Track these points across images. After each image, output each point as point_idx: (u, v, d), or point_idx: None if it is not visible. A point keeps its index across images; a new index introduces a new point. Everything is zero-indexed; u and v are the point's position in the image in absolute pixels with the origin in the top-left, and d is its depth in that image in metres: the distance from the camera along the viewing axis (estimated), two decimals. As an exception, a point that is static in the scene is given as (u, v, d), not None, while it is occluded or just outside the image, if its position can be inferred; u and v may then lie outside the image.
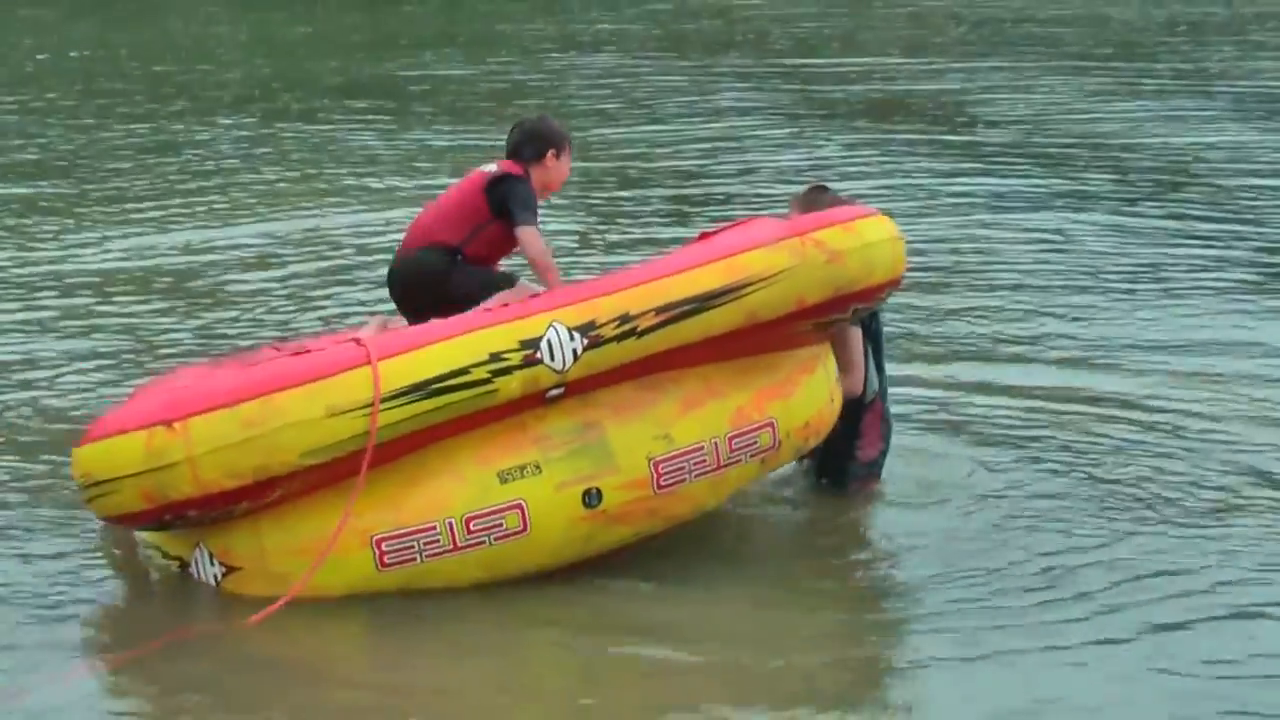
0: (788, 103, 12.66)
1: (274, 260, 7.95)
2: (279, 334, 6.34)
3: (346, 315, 6.69)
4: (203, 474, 3.91)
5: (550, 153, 4.78)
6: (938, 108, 12.46)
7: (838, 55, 15.78)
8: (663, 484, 4.29)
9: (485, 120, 11.98)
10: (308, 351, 4.23)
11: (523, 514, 4.15)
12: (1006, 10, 17.74)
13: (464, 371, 4.06)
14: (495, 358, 4.08)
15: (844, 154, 10.64)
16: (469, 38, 16.98)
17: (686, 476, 4.32)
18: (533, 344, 4.11)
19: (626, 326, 4.19)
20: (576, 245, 8.02)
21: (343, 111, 12.46)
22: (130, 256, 7.99)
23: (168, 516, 4.03)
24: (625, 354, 4.22)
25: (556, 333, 4.14)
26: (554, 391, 4.19)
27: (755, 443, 4.41)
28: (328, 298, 7.24)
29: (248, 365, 4.25)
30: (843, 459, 4.82)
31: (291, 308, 7.09)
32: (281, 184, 9.86)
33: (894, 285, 4.61)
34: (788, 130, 11.50)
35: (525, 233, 4.58)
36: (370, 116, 12.26)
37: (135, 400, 4.28)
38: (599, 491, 4.21)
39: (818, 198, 4.84)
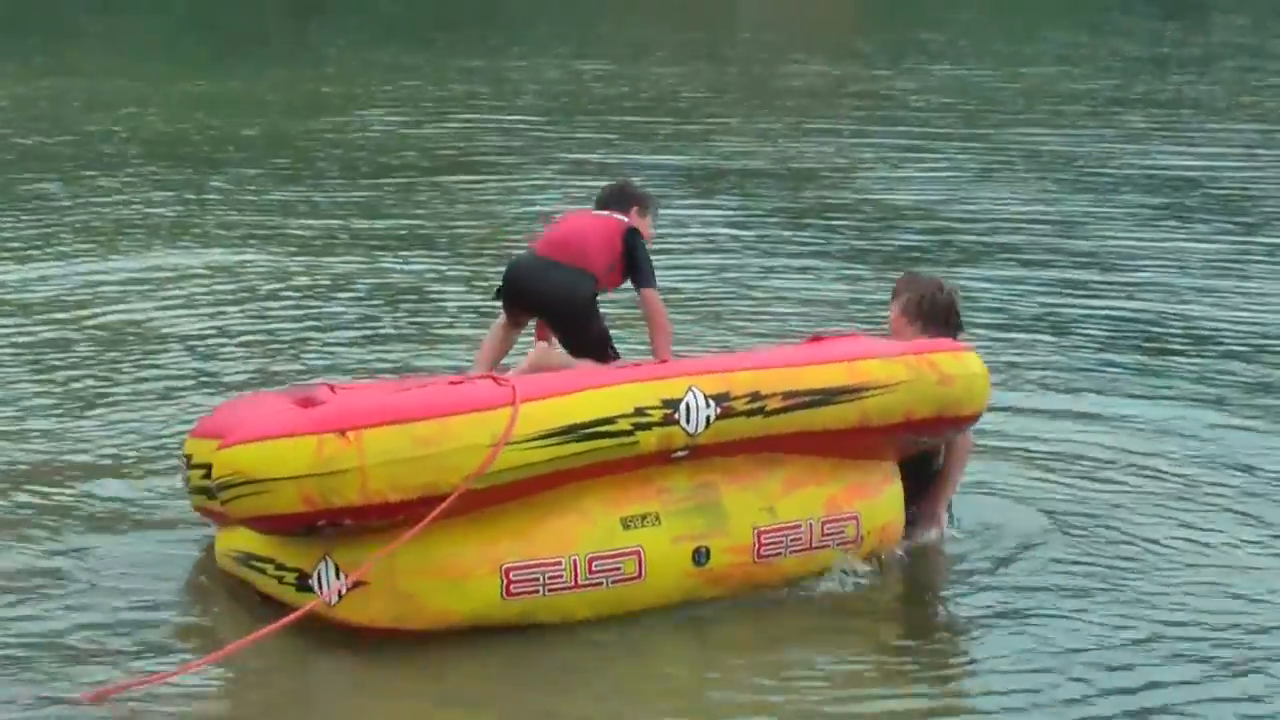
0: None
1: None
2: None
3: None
4: (370, 484, 4.05)
5: (635, 210, 5.16)
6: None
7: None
8: (763, 554, 4.53)
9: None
10: (460, 383, 4.41)
11: (640, 561, 4.36)
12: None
13: (610, 420, 4.27)
14: (639, 412, 4.30)
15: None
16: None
17: (783, 550, 4.57)
18: (673, 404, 4.34)
19: (757, 404, 4.44)
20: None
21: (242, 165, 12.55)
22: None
23: (321, 522, 4.15)
24: (750, 429, 4.46)
25: (695, 397, 4.37)
26: (680, 453, 4.42)
27: (843, 531, 4.67)
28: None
29: (407, 388, 4.42)
30: None
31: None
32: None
33: (977, 418, 4.91)
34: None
35: (651, 295, 4.99)
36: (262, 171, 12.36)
37: (255, 410, 4.45)
38: (708, 551, 4.44)
39: (916, 279, 5.20)
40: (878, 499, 4.78)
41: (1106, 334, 7.65)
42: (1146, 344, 7.52)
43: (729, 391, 4.43)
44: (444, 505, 4.09)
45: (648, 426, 4.31)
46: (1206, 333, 7.66)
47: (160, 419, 6.11)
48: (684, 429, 4.36)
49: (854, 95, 17.34)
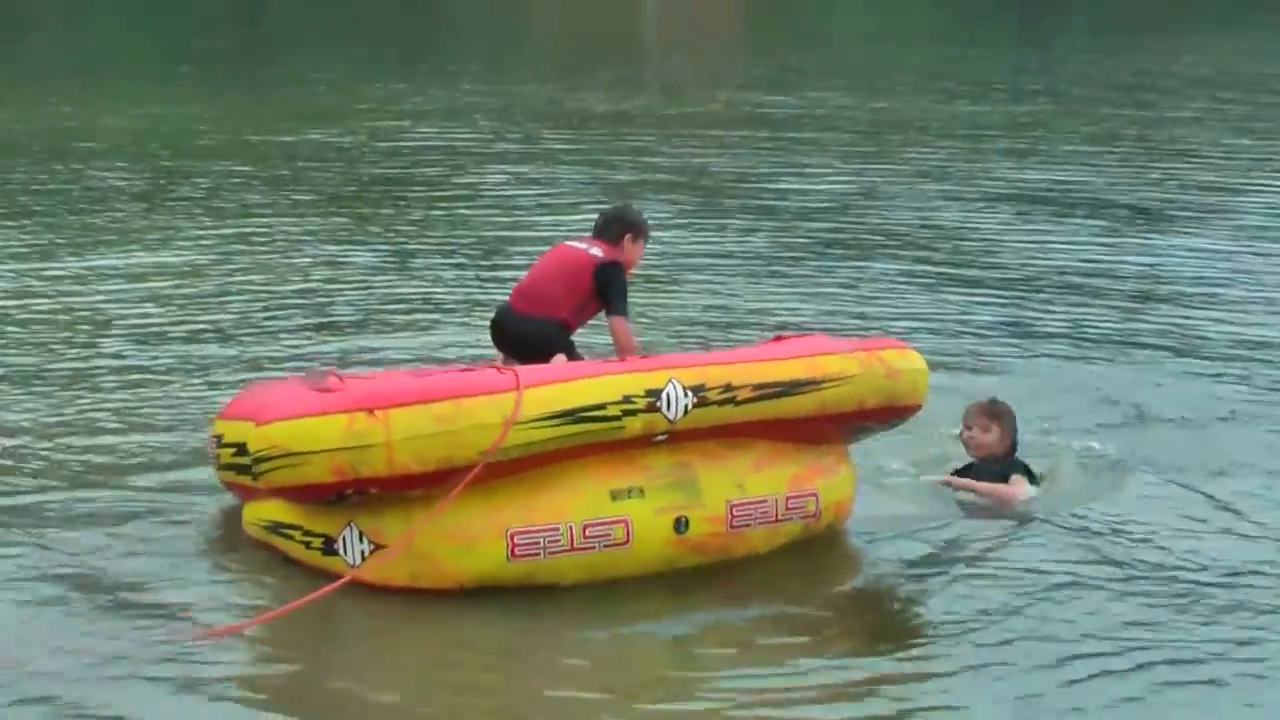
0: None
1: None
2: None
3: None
4: (397, 457, 4.56)
5: (628, 236, 5.74)
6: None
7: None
8: (735, 525, 5.07)
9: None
10: (470, 371, 4.96)
11: (628, 529, 4.90)
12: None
13: (602, 406, 4.80)
14: (626, 399, 4.83)
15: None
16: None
17: (753, 522, 5.10)
18: (656, 394, 4.87)
19: (729, 394, 4.97)
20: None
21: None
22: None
23: (349, 490, 4.66)
24: (722, 417, 4.99)
25: (674, 388, 4.91)
26: (660, 436, 4.96)
27: (804, 506, 5.21)
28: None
29: (424, 375, 4.95)
30: None
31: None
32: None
33: (919, 409, 5.50)
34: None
35: (619, 323, 5.68)
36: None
37: (279, 395, 4.96)
38: (688, 521, 4.97)
39: (999, 410, 5.98)
40: (834, 478, 5.32)
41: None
42: (1079, 338, 8.25)
43: (704, 383, 4.95)
44: (470, 476, 4.61)
45: (634, 412, 4.83)
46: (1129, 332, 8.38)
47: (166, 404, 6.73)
48: (665, 415, 4.88)
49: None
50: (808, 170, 13.97)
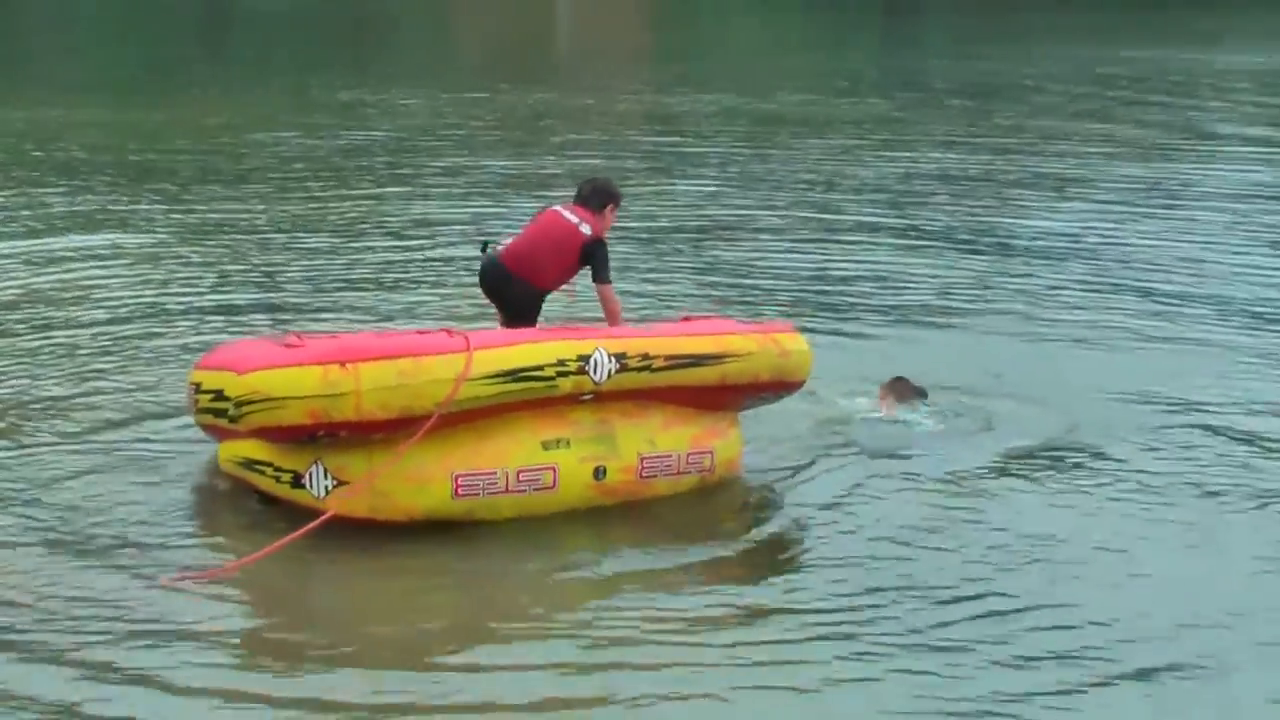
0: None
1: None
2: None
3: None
4: (364, 404, 5.29)
5: (610, 206, 6.57)
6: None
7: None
8: (644, 474, 5.89)
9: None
10: (426, 334, 5.73)
11: (555, 474, 5.69)
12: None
13: (540, 368, 5.58)
14: (560, 363, 5.62)
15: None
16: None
17: (658, 473, 5.92)
18: (585, 359, 5.66)
19: (646, 362, 5.78)
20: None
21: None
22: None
23: (320, 433, 5.38)
24: (640, 381, 5.80)
25: (601, 354, 5.71)
26: (586, 396, 5.76)
27: (702, 462, 6.03)
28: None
29: (385, 336, 5.70)
30: None
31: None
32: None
33: (803, 384, 6.34)
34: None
35: (607, 290, 6.45)
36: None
37: (252, 350, 5.63)
38: (605, 469, 5.78)
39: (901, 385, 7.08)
40: (726, 439, 6.13)
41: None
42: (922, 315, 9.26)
43: (626, 352, 5.75)
44: (428, 425, 5.35)
45: (566, 374, 5.62)
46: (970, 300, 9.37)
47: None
48: (592, 378, 5.68)
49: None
50: (698, 163, 15.20)
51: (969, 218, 12.53)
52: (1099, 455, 6.69)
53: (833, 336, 8.44)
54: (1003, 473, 6.48)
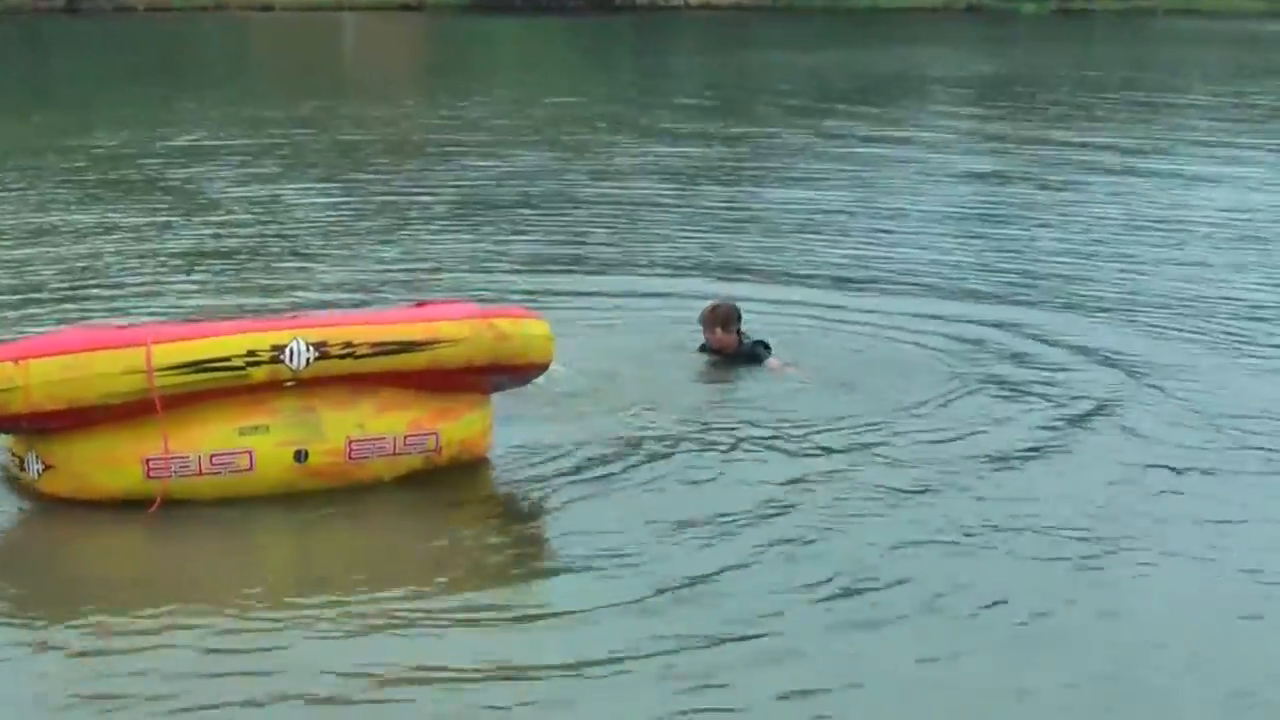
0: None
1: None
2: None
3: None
4: (32, 398, 5.47)
5: None
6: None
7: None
8: (353, 456, 5.98)
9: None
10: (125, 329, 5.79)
11: (251, 458, 5.80)
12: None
13: (227, 359, 5.69)
14: (251, 354, 5.72)
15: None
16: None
17: (371, 455, 6.01)
18: (280, 349, 5.76)
19: (348, 350, 5.86)
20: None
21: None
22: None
23: (7, 425, 5.63)
24: (344, 368, 5.89)
25: (298, 344, 5.80)
26: (289, 383, 5.85)
27: (423, 444, 6.12)
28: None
29: (74, 331, 5.75)
30: None
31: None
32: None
33: (540, 369, 6.38)
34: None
35: None
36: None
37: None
38: (306, 453, 5.88)
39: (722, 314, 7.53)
40: (458, 421, 6.17)
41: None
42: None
43: (326, 341, 5.84)
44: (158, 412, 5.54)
45: (257, 364, 5.72)
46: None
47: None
48: (288, 366, 5.77)
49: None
50: (470, 165, 15.93)
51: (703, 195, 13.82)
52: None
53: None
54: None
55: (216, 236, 11.28)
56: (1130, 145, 18.13)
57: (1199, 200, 13.88)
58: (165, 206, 12.62)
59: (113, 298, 9.07)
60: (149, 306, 8.84)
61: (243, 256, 10.52)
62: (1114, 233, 12.05)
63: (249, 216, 12.18)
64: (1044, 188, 14.62)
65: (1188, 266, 10.63)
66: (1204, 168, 16.27)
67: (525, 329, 6.27)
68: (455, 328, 6.11)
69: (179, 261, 10.25)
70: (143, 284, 9.51)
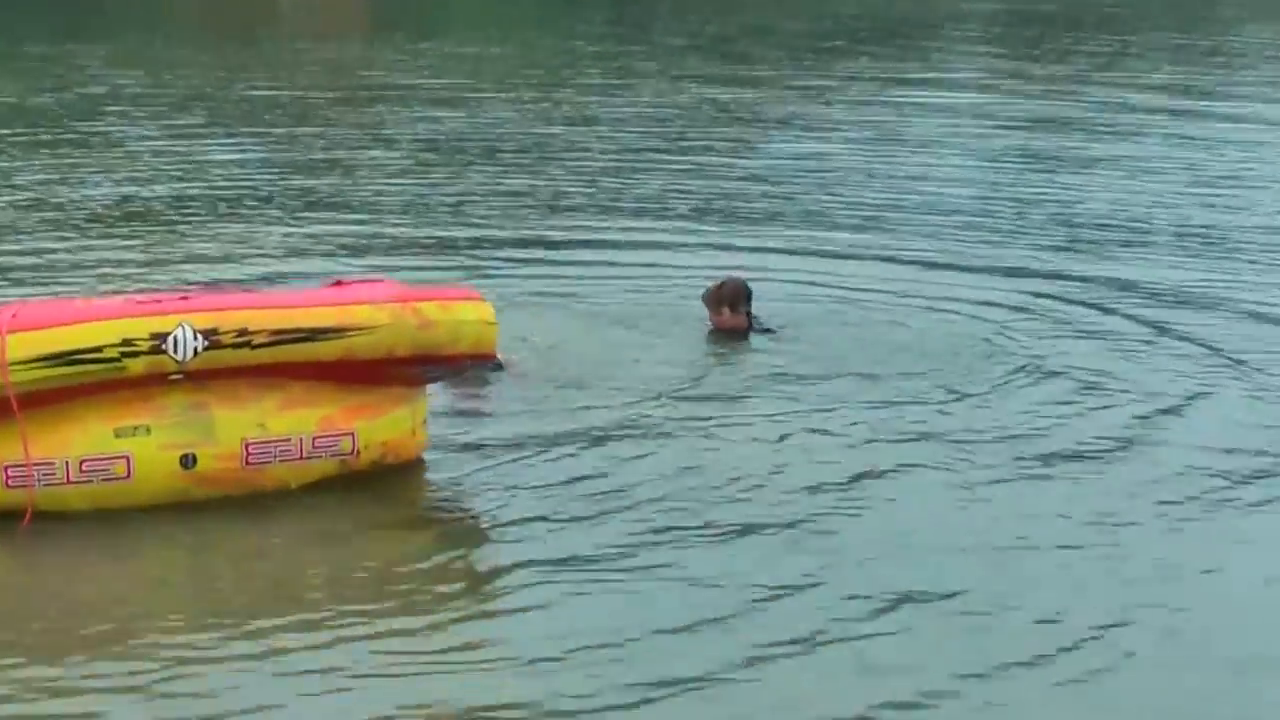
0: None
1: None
2: None
3: None
4: None
5: None
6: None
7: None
8: (251, 461, 5.46)
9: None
10: None
11: (129, 464, 5.28)
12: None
13: (99, 349, 5.15)
14: (126, 343, 5.19)
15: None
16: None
17: (273, 459, 5.49)
18: (162, 337, 5.22)
19: (244, 339, 5.33)
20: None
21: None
22: None
23: None
24: (239, 359, 5.36)
25: (184, 331, 5.26)
26: (175, 376, 5.32)
27: (337, 445, 5.60)
28: None
29: None
30: None
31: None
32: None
33: (480, 359, 5.86)
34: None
35: None
36: None
37: None
38: (195, 457, 5.37)
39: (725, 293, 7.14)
40: (379, 419, 5.67)
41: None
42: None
43: (217, 328, 5.31)
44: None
45: (135, 355, 5.19)
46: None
47: None
48: (173, 357, 5.24)
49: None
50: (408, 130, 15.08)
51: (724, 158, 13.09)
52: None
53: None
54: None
55: (126, 198, 10.73)
56: (1187, 87, 17.76)
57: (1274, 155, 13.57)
58: (69, 164, 12.07)
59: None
60: (34, 278, 8.31)
61: (154, 220, 10.00)
62: (1177, 190, 11.67)
63: (167, 174, 11.66)
64: (1092, 137, 14.28)
65: (1261, 233, 10.25)
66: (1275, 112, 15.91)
67: (457, 314, 5.70)
68: (371, 313, 5.56)
69: (79, 225, 9.72)
70: (31, 249, 8.94)
